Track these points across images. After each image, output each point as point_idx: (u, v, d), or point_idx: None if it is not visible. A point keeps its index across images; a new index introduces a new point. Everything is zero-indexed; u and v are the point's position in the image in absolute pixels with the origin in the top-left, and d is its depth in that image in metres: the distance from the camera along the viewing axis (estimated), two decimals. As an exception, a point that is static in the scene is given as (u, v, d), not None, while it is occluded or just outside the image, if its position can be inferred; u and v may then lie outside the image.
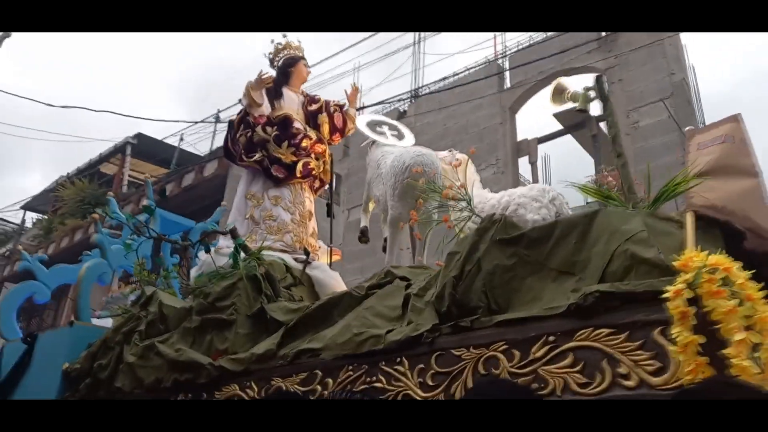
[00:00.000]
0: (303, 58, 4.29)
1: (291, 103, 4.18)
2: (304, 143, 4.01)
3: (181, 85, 72.83)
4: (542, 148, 10.75)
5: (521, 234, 1.81)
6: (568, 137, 10.71)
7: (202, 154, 15.33)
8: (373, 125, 4.22)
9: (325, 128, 4.24)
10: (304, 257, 3.51)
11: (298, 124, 4.09)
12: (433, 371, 1.75)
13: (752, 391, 1.12)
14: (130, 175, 16.17)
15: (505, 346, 1.61)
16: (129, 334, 2.93)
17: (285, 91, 4.18)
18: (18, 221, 18.96)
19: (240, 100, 4.03)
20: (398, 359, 1.85)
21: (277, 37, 4.29)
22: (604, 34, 10.14)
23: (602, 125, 10.37)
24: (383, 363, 1.88)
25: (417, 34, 12.94)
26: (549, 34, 10.77)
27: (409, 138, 4.22)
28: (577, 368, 1.45)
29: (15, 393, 3.34)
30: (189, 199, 12.06)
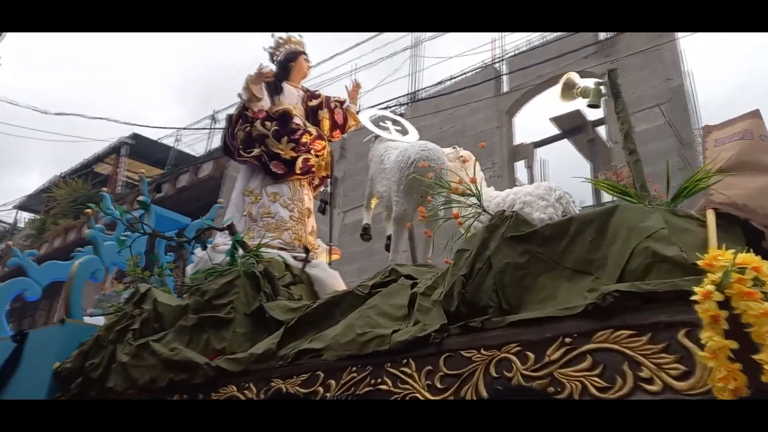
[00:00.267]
0: (304, 53, 4.23)
1: (291, 98, 4.11)
2: (304, 139, 3.94)
3: (181, 85, 72.75)
4: (539, 153, 10.77)
5: (534, 231, 1.74)
6: (565, 141, 10.73)
7: (198, 155, 15.25)
8: (376, 120, 4.17)
9: (325, 124, 4.17)
10: (304, 255, 3.44)
11: (298, 120, 4.02)
12: (441, 373, 1.67)
13: None
14: (125, 176, 16.06)
15: (518, 348, 1.54)
16: (122, 332, 2.85)
17: (285, 85, 4.11)
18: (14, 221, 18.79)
19: (239, 95, 3.95)
20: (405, 360, 1.77)
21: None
22: (602, 37, 10.16)
23: (599, 130, 10.40)
24: (389, 364, 1.81)
25: (415, 36, 12.93)
26: (547, 38, 10.78)
27: (413, 134, 4.16)
28: (596, 371, 1.38)
29: (4, 393, 3.25)
30: (184, 200, 11.98)
